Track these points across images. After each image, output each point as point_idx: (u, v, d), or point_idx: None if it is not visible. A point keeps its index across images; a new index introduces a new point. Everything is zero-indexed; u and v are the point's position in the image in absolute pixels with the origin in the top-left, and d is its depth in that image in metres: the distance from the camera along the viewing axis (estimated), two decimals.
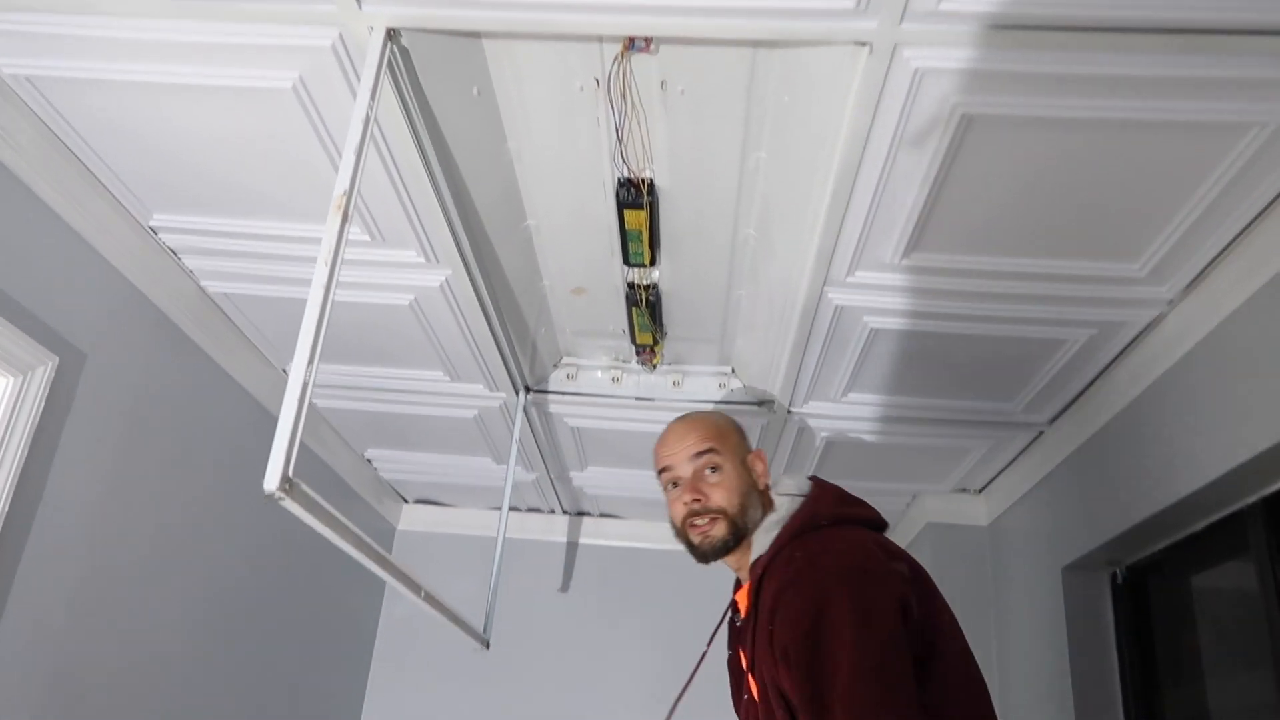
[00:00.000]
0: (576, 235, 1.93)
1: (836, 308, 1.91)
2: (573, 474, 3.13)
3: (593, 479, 3.14)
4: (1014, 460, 2.66)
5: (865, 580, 1.25)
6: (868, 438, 2.57)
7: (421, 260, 1.88)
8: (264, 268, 1.96)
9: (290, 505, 1.13)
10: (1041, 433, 2.45)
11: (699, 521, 1.45)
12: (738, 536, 1.45)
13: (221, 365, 2.25)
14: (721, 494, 1.45)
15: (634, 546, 3.55)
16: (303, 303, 1.19)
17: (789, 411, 2.45)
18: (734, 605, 1.56)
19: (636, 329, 2.22)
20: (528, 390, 2.51)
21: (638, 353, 2.41)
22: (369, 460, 3.17)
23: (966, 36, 1.25)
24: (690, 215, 1.83)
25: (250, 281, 2.02)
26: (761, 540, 1.42)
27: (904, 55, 1.29)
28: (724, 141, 1.62)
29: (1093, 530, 2.27)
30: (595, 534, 3.59)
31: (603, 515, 3.60)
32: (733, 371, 2.50)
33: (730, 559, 1.49)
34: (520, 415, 2.49)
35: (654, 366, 2.45)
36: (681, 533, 1.50)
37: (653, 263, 1.95)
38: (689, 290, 2.11)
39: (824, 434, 2.57)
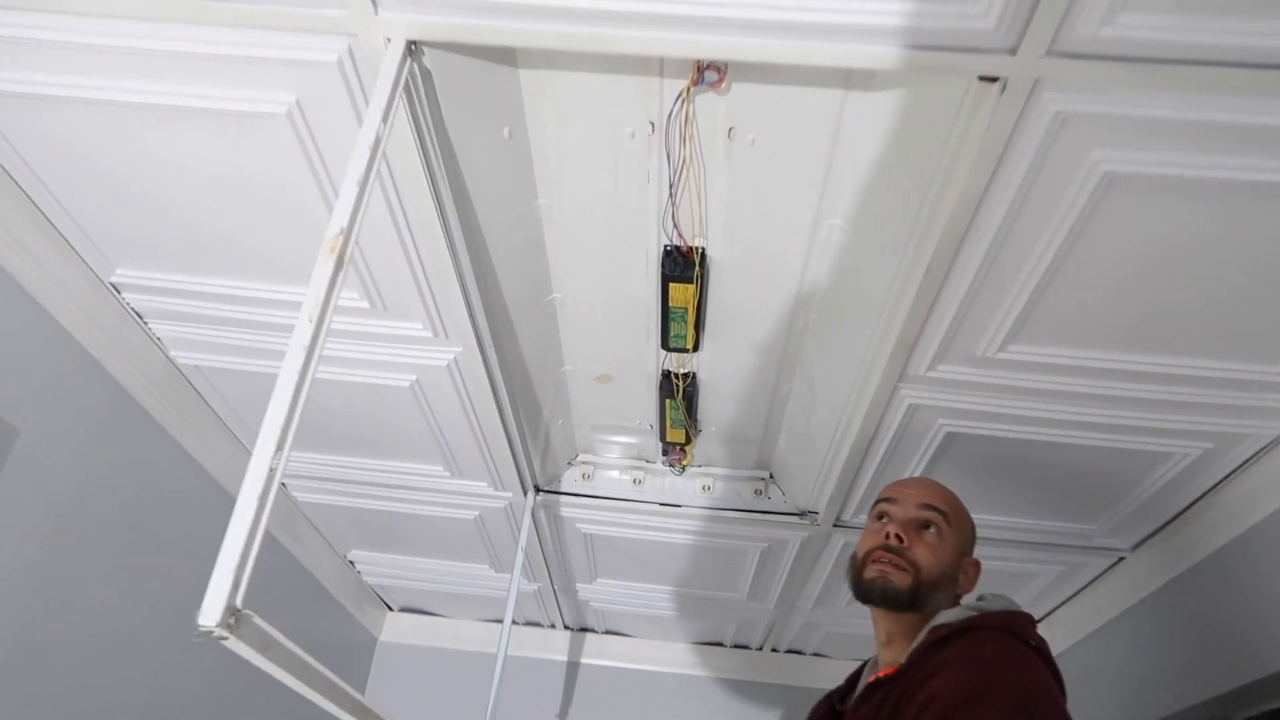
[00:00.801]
0: (609, 313, 1.67)
1: (910, 407, 1.63)
2: (579, 586, 2.79)
3: (602, 592, 2.80)
4: (1083, 589, 2.34)
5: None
6: None
7: (428, 334, 1.60)
8: (244, 337, 1.68)
9: (237, 645, 0.82)
10: (1122, 559, 2.14)
11: (885, 558, 1.27)
12: (914, 601, 1.25)
13: (187, 449, 1.95)
14: (927, 554, 1.27)
15: (643, 669, 3.17)
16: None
17: (835, 525, 2.14)
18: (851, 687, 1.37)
19: (668, 424, 1.94)
20: (537, 490, 2.20)
21: (665, 451, 2.12)
22: (351, 563, 2.84)
23: (1126, 74, 1.01)
24: (744, 293, 1.57)
25: (227, 353, 1.74)
26: (951, 613, 1.22)
27: (1044, 97, 1.05)
28: (795, 204, 1.38)
29: (1192, 681, 1.95)
30: (599, 653, 3.22)
31: (608, 633, 3.24)
32: (771, 477, 2.20)
33: (888, 621, 1.29)
34: (527, 518, 2.18)
35: (683, 468, 2.15)
36: (859, 563, 1.31)
37: (696, 348, 1.68)
38: (731, 381, 1.84)
39: None
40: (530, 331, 1.69)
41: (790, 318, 1.62)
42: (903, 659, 1.22)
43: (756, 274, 1.52)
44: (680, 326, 1.60)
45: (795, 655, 3.16)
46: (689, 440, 2.02)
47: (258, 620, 0.83)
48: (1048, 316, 1.39)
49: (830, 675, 3.35)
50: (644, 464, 2.21)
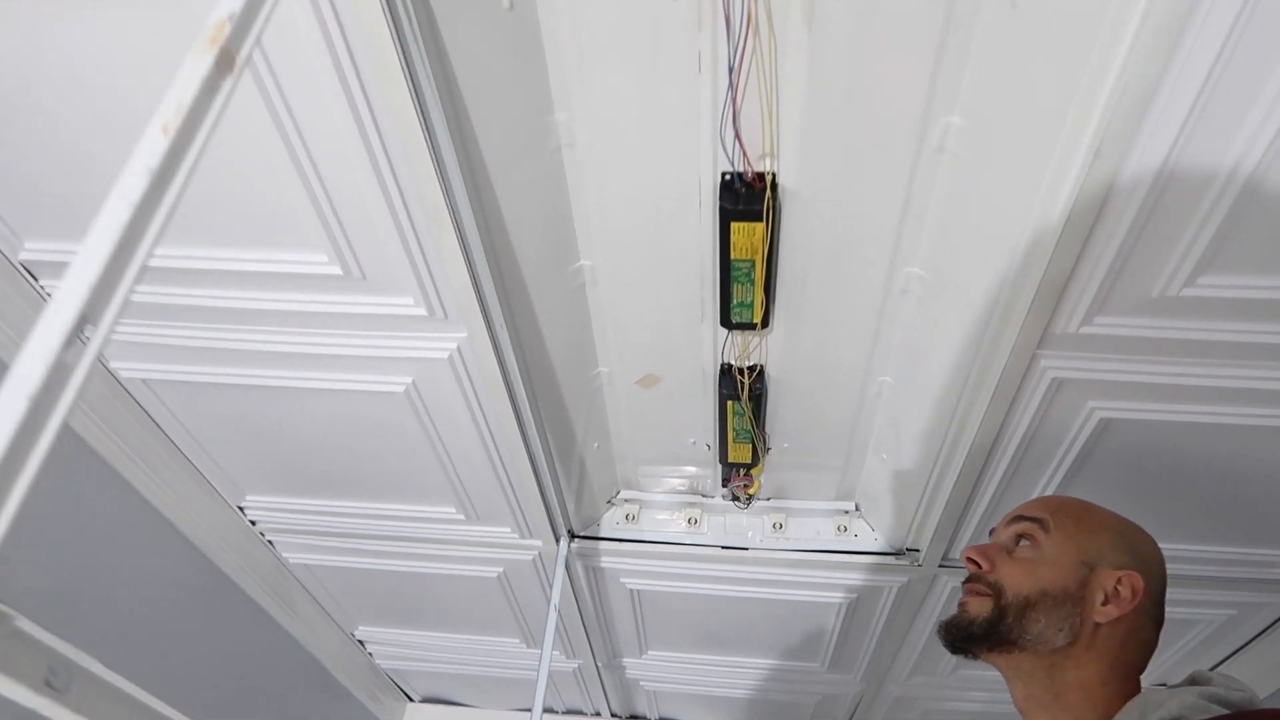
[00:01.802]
0: (652, 281, 1.31)
1: (1054, 383, 1.23)
2: (627, 661, 2.36)
3: (653, 668, 2.36)
4: (1256, 639, 1.88)
5: None
6: None
7: (422, 312, 1.25)
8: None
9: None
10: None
11: (965, 589, 1.03)
12: (996, 628, 0.96)
13: None
14: (1015, 571, 0.99)
15: None
16: None
17: (942, 564, 1.72)
18: None
19: (730, 438, 1.55)
20: (572, 536, 1.81)
21: (726, 480, 1.73)
22: (361, 643, 2.44)
23: None
24: (826, 240, 1.20)
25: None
26: (1174, 704, 0.82)
27: None
28: (899, 97, 1.02)
29: None
30: None
31: (663, 719, 2.78)
32: (857, 509, 1.79)
33: (1010, 673, 0.99)
34: (561, 570, 1.78)
35: (749, 499, 1.76)
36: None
37: (765, 323, 1.31)
38: (809, 375, 1.46)
39: None
40: (553, 312, 1.33)
41: (888, 274, 1.25)
42: None
43: (845, 208, 1.15)
44: (745, 289, 1.23)
45: None
46: (756, 460, 1.63)
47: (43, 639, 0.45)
48: (1259, 227, 1.00)
49: None
50: (700, 499, 1.82)
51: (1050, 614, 0.95)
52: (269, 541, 1.93)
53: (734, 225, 1.14)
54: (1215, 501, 1.46)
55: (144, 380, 1.44)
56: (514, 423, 1.43)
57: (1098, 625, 0.94)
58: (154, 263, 1.16)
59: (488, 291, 1.19)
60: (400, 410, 1.44)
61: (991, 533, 1.08)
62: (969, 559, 1.02)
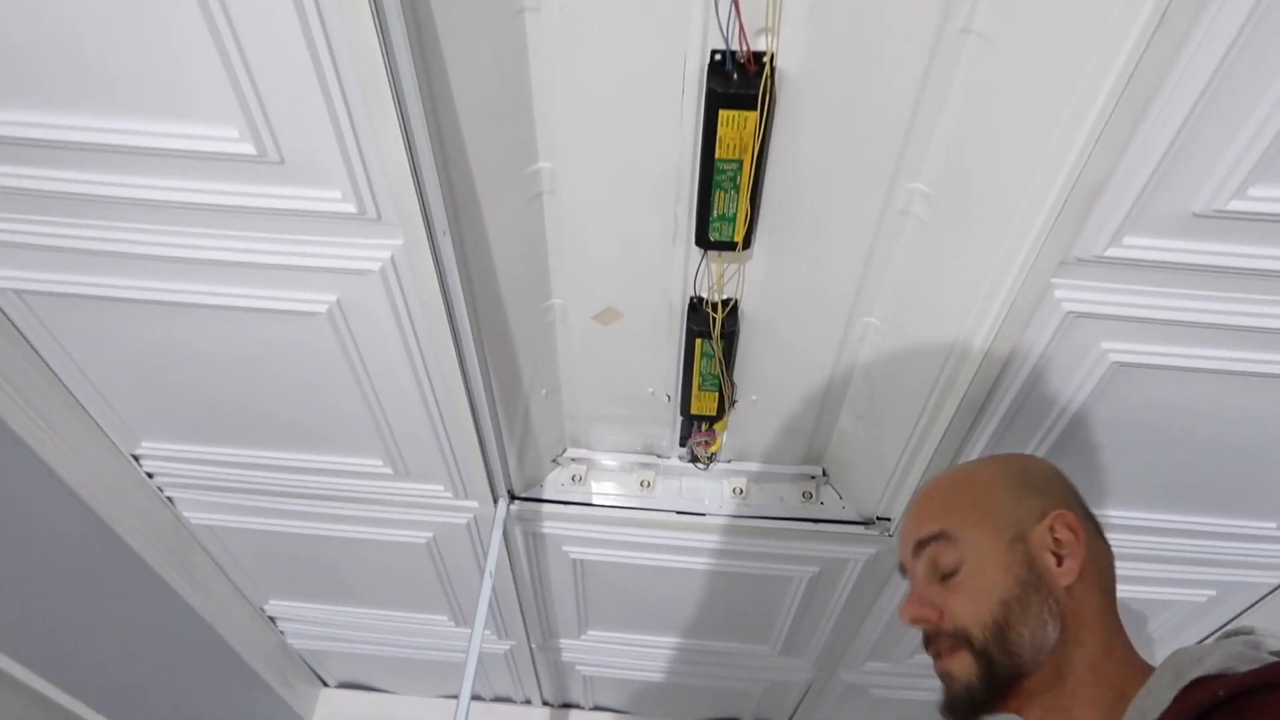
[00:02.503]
0: (618, 190, 1.14)
1: (1068, 317, 1.10)
2: (564, 642, 2.18)
3: (592, 650, 2.19)
4: (1232, 622, 1.79)
5: None
6: None
7: (351, 208, 1.06)
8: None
9: None
10: None
11: (932, 653, 0.87)
12: (995, 682, 0.81)
13: None
14: (961, 604, 0.84)
15: None
16: None
17: None
18: None
19: (697, 384, 1.39)
20: (512, 498, 1.63)
21: (686, 437, 1.57)
22: (271, 619, 2.21)
23: None
24: (827, 143, 1.05)
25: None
26: (1220, 656, 0.70)
27: None
28: None
29: None
30: None
31: (597, 708, 2.61)
32: (825, 475, 1.65)
33: (1029, 712, 0.83)
34: (498, 535, 1.60)
35: (710, 459, 1.60)
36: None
37: (746, 244, 1.15)
38: (789, 314, 1.31)
39: None
40: (505, 224, 1.16)
41: (888, 190, 1.10)
42: None
43: (851, 103, 1.00)
44: (729, 198, 1.07)
45: None
46: (721, 414, 1.47)
47: None
48: None
49: None
50: (656, 460, 1.65)
51: (1026, 619, 0.82)
52: (168, 498, 1.70)
53: (722, 114, 0.98)
54: (1213, 467, 1.35)
55: (16, 291, 1.22)
56: (454, 357, 1.25)
57: (1069, 589, 0.83)
58: (15, 131, 0.95)
59: (430, 189, 1.01)
60: (322, 336, 1.24)
61: (901, 569, 0.95)
62: (914, 619, 0.87)
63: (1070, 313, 1.09)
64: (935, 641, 0.86)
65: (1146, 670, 0.81)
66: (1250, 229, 0.97)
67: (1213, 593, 1.66)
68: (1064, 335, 1.13)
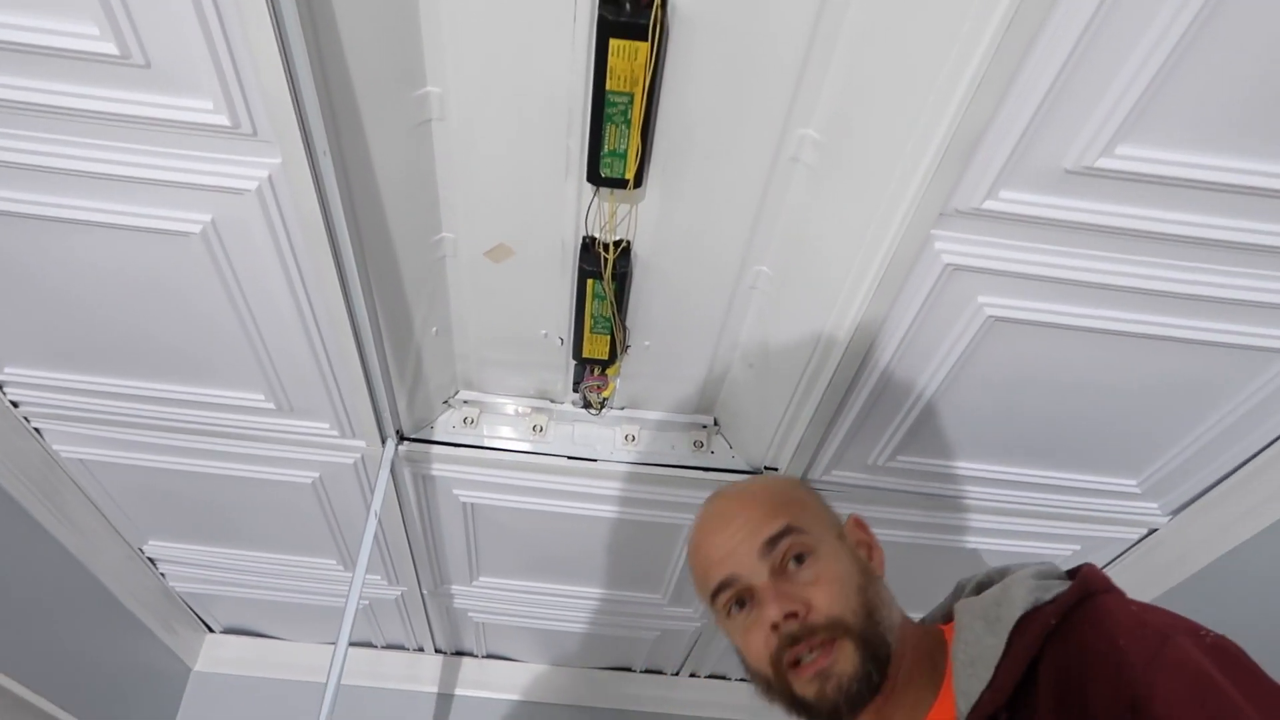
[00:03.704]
0: (509, 121, 1.12)
1: (947, 269, 1.12)
2: (455, 589, 2.17)
3: (484, 596, 2.18)
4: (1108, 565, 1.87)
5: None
6: (924, 538, 1.74)
7: (223, 120, 1.01)
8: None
9: None
10: (1154, 531, 1.69)
11: (807, 656, 0.82)
12: (879, 663, 0.81)
13: None
14: (829, 594, 0.83)
15: (531, 701, 2.56)
16: None
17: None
18: None
19: (589, 326, 1.39)
20: (401, 438, 1.61)
21: (579, 381, 1.57)
22: (151, 560, 2.14)
23: None
24: (718, 81, 1.05)
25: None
26: (1018, 594, 0.76)
27: None
28: None
29: None
30: (478, 683, 2.58)
31: (490, 656, 2.61)
32: (716, 424, 1.67)
33: (876, 702, 0.82)
34: (385, 475, 1.58)
35: (602, 404, 1.60)
36: (778, 683, 0.84)
37: (638, 182, 1.14)
38: (681, 259, 1.31)
39: None
40: (391, 150, 1.12)
41: (780, 135, 1.11)
42: (934, 705, 0.82)
43: (744, 40, 1.00)
44: (620, 133, 1.06)
45: (718, 681, 2.61)
46: (613, 359, 1.47)
47: None
48: (1187, 94, 0.91)
49: (758, 705, 2.82)
50: (549, 405, 1.65)
51: (881, 601, 0.86)
52: (35, 429, 1.62)
53: (613, 44, 0.97)
54: (1079, 424, 1.41)
55: None
56: (337, 286, 1.21)
57: (879, 577, 0.91)
58: None
59: (309, 104, 0.97)
60: (196, 259, 1.19)
61: (723, 586, 0.89)
62: (786, 615, 0.83)
63: (949, 265, 1.11)
64: (805, 639, 0.82)
65: (932, 630, 0.86)
66: (1118, 188, 1.01)
67: (1077, 547, 1.74)
68: (943, 288, 1.15)
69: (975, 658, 0.74)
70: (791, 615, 0.82)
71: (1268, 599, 1.58)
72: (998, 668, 0.72)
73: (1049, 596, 0.74)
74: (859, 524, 0.94)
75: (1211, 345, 1.20)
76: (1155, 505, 1.59)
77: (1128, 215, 1.04)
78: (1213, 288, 1.12)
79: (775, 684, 0.84)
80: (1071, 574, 0.79)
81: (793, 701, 0.84)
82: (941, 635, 0.87)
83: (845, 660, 0.81)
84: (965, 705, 0.73)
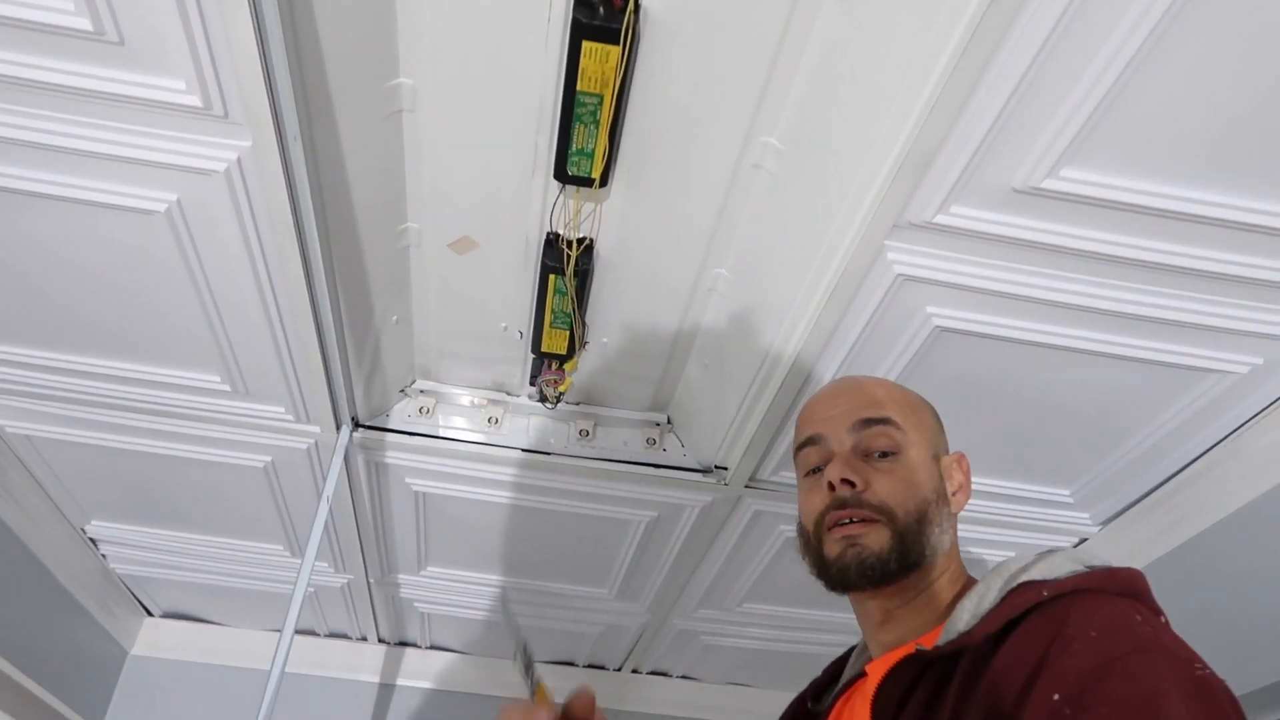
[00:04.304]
0: (480, 116, 1.14)
1: (898, 279, 1.17)
2: (403, 578, 2.18)
3: (431, 587, 2.19)
4: None
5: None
6: None
7: (195, 100, 1.02)
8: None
9: None
10: (1084, 540, 1.76)
11: (844, 518, 0.87)
12: (906, 561, 0.85)
13: None
14: (895, 486, 0.87)
15: (473, 693, 2.57)
16: None
17: (749, 485, 1.65)
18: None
19: (549, 320, 1.41)
20: (356, 425, 1.61)
21: (536, 374, 1.59)
22: (92, 541, 2.11)
23: None
24: (687, 87, 1.08)
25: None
26: (1045, 566, 0.78)
27: None
28: None
29: None
30: (420, 673, 2.58)
31: (433, 648, 2.62)
32: (669, 422, 1.70)
33: (881, 599, 0.88)
34: (339, 461, 1.58)
35: (558, 398, 1.62)
36: (815, 539, 0.90)
37: (604, 182, 1.17)
38: (642, 259, 1.34)
39: (787, 530, 1.78)
40: (361, 138, 1.14)
41: (743, 142, 1.14)
42: (922, 633, 0.85)
43: (713, 47, 1.03)
44: (588, 133, 1.09)
45: (660, 678, 2.65)
46: (572, 353, 1.49)
47: None
48: (1128, 123, 0.96)
49: (698, 703, 2.86)
50: (505, 397, 1.67)
51: (938, 521, 0.89)
52: None
53: (585, 46, 0.99)
54: (1017, 434, 1.47)
55: None
56: (300, 271, 1.22)
57: (953, 515, 0.92)
58: None
59: (283, 89, 0.99)
60: (159, 237, 1.19)
61: (811, 441, 0.94)
62: (843, 480, 0.87)
63: (900, 275, 1.16)
64: (852, 508, 0.87)
65: (969, 579, 0.90)
66: (1062, 208, 1.06)
67: (1011, 553, 1.79)
68: (894, 296, 1.20)
69: (975, 605, 0.79)
70: (849, 484, 0.87)
71: (1189, 609, 1.65)
72: (984, 616, 0.76)
73: (1060, 575, 0.77)
74: (961, 462, 0.95)
75: (1144, 363, 1.26)
76: (1086, 515, 1.66)
77: (1070, 235, 1.09)
78: (1147, 308, 1.18)
79: (812, 539, 0.90)
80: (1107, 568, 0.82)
81: (818, 559, 0.89)
82: (972, 582, 0.91)
83: (876, 540, 0.85)
84: (945, 638, 0.78)
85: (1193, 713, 0.61)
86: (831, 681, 0.96)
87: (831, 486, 0.88)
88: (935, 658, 0.76)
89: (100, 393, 1.54)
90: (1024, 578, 0.77)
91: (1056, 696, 0.65)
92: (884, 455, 0.89)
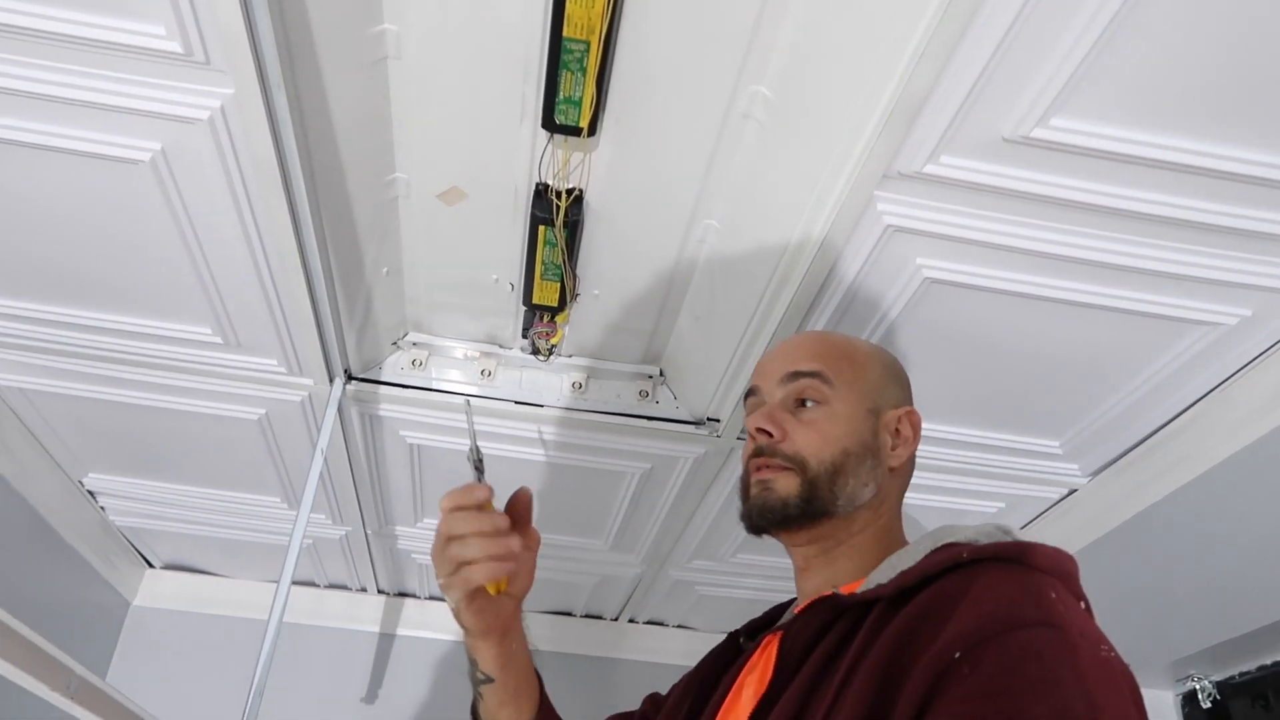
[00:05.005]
0: (466, 62, 1.12)
1: (887, 230, 1.16)
2: (399, 529, 2.20)
3: (428, 539, 2.20)
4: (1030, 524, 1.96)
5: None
6: None
7: (176, 48, 1.00)
8: None
9: None
10: (1074, 492, 1.77)
11: (760, 464, 0.93)
12: (810, 505, 0.90)
13: None
14: (811, 435, 0.92)
15: None
16: None
17: (740, 437, 1.66)
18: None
19: (539, 273, 1.41)
20: (349, 377, 1.62)
21: (528, 327, 1.59)
22: (91, 493, 2.13)
23: None
24: (674, 31, 1.06)
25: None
26: (969, 531, 0.81)
27: None
28: None
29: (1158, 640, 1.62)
30: (420, 623, 2.62)
31: (432, 599, 2.65)
32: (662, 375, 1.71)
33: (800, 544, 0.94)
34: (332, 413, 1.59)
35: (550, 351, 1.62)
36: (744, 479, 0.97)
37: (592, 131, 1.16)
38: (632, 209, 1.33)
39: None
40: (345, 86, 1.12)
41: (733, 90, 1.13)
42: (845, 583, 0.87)
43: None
44: (575, 80, 1.08)
45: (656, 628, 2.69)
46: (563, 306, 1.49)
47: None
48: (1120, 71, 0.95)
49: (694, 651, 2.89)
50: (498, 350, 1.67)
51: (856, 474, 0.92)
52: None
53: None
54: (1007, 385, 1.47)
55: None
56: (288, 220, 1.21)
57: (891, 469, 0.95)
58: None
59: (264, 34, 0.97)
60: (144, 187, 1.18)
61: (752, 392, 1.00)
62: (759, 429, 0.94)
63: (890, 226, 1.15)
64: (766, 455, 0.92)
65: (902, 540, 0.92)
66: (1051, 158, 1.05)
67: (1002, 505, 1.82)
68: (884, 247, 1.20)
69: (899, 561, 0.81)
70: (765, 433, 0.92)
71: (1178, 556, 1.67)
72: (904, 571, 0.78)
73: (984, 542, 0.79)
74: (910, 417, 0.96)
75: (1132, 314, 1.26)
76: (1075, 466, 1.67)
77: (1060, 185, 1.08)
78: (1136, 259, 1.18)
79: (742, 479, 0.97)
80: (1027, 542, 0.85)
81: (744, 498, 0.95)
82: (906, 543, 0.94)
83: (784, 486, 0.91)
84: (864, 588, 0.80)
85: (1085, 689, 0.62)
86: (769, 624, 0.98)
87: (753, 436, 0.94)
88: (850, 605, 0.79)
89: (92, 345, 1.54)
90: (949, 539, 0.80)
91: (957, 654, 0.65)
92: (808, 403, 0.94)
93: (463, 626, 0.94)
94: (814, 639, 0.80)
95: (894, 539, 0.94)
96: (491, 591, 0.89)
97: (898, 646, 0.70)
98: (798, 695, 0.75)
